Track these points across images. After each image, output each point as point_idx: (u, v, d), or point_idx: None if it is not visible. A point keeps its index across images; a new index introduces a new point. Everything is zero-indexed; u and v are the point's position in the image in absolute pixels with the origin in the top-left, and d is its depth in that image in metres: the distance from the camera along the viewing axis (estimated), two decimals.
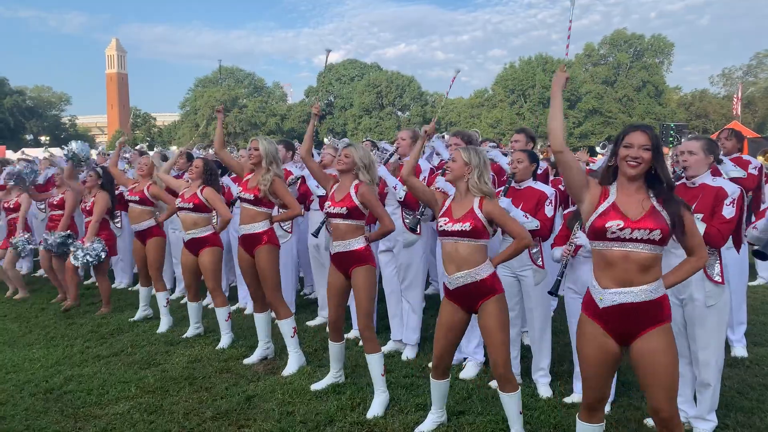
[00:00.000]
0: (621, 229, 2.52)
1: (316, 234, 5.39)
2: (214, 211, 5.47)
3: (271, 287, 4.73)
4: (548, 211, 4.12)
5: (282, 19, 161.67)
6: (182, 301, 7.05)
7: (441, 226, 3.34)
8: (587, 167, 6.14)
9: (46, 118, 65.28)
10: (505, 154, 5.15)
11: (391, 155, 5.16)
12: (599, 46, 57.13)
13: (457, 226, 3.28)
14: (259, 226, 4.68)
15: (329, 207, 4.01)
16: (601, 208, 2.60)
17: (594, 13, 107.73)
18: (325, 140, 8.90)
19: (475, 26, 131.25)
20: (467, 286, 3.30)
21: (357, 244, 4.00)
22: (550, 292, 3.93)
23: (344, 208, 3.95)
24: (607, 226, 2.54)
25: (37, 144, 55.63)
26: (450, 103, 61.59)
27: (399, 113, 59.12)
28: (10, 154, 29.04)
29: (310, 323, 6.04)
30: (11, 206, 7.53)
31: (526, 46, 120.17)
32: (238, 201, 5.59)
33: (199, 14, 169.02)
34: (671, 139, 16.22)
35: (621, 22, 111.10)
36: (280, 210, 5.21)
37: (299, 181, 5.83)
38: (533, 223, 3.99)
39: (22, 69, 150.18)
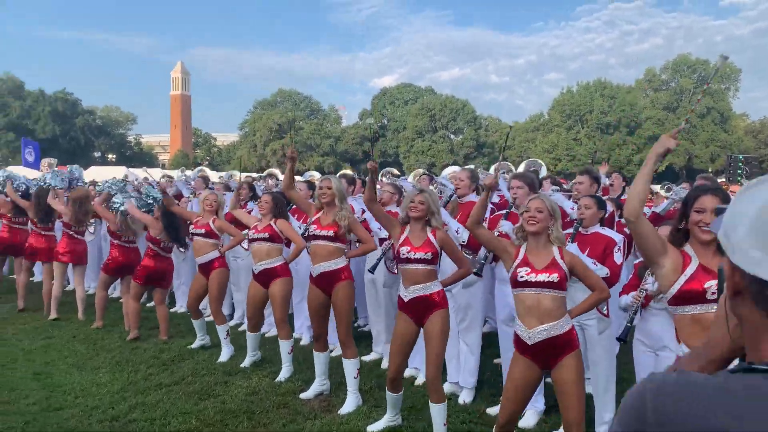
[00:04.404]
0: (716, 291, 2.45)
1: (372, 270, 5.40)
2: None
3: (346, 325, 4.74)
4: (617, 258, 4.01)
5: (338, 43, 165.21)
6: (240, 329, 7.19)
7: (522, 277, 3.21)
8: (652, 210, 5.94)
9: (114, 136, 68.45)
10: (569, 197, 5.06)
11: (450, 197, 5.15)
12: (661, 71, 55.73)
13: (542, 277, 3.16)
14: (338, 263, 4.70)
15: (409, 253, 3.92)
16: (689, 271, 2.50)
17: (656, 36, 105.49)
18: (383, 179, 8.83)
19: (530, 50, 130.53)
20: (549, 341, 3.17)
21: (435, 287, 3.97)
22: (619, 339, 3.80)
23: (429, 254, 3.90)
24: (706, 287, 2.43)
25: (104, 162, 58.46)
26: (504, 127, 61.17)
27: (452, 137, 59.14)
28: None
29: (365, 358, 6.02)
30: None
31: (583, 71, 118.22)
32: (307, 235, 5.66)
33: (260, 38, 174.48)
34: (740, 171, 15.52)
35: (684, 46, 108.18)
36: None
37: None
38: (603, 271, 3.88)
39: (94, 90, 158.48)
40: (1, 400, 4.85)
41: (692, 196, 2.59)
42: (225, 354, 6.05)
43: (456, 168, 8.17)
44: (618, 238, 4.11)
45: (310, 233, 4.80)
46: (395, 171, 10.57)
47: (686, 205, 2.59)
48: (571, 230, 4.18)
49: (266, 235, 5.39)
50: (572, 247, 3.94)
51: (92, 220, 8.30)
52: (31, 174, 12.63)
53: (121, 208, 6.82)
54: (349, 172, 7.75)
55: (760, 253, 0.84)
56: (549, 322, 3.17)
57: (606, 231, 4.18)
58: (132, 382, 5.33)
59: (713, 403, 0.81)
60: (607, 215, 4.77)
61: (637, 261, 4.26)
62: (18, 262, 8.32)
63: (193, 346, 6.39)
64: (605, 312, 4.09)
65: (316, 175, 10.91)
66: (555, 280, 3.16)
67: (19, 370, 5.61)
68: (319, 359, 5.01)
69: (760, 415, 0.77)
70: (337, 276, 4.69)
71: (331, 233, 4.66)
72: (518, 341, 3.28)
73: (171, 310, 8.08)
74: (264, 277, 5.43)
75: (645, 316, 3.85)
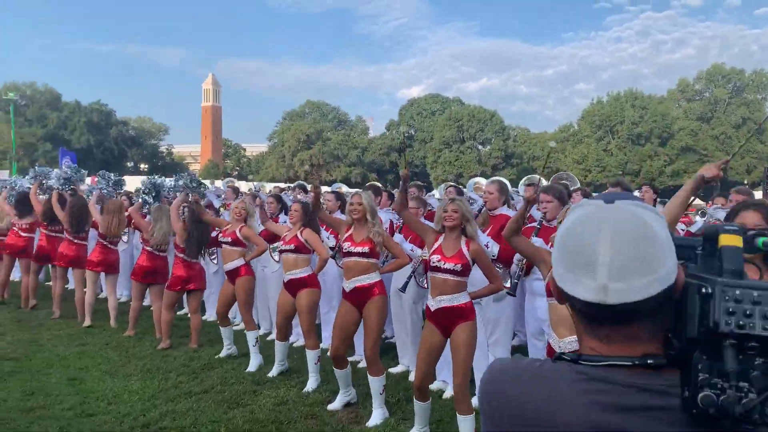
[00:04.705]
0: None
1: (403, 290, 5.39)
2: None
3: (374, 341, 4.70)
4: None
5: (366, 54, 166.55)
6: (268, 338, 7.24)
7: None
8: (687, 230, 5.83)
9: (146, 147, 69.94)
10: None
11: (480, 210, 5.12)
12: (694, 81, 54.75)
13: None
14: (372, 277, 4.70)
15: (439, 262, 3.93)
16: None
17: (688, 46, 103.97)
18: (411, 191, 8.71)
19: (560, 60, 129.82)
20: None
21: (463, 299, 3.97)
22: None
23: (459, 265, 3.91)
24: None
25: (136, 171, 59.77)
26: (533, 138, 60.74)
27: (480, 147, 58.90)
28: None
29: (392, 370, 6.00)
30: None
31: (613, 81, 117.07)
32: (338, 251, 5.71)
33: (290, 50, 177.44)
34: None
35: (719, 56, 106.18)
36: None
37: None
38: None
39: (128, 101, 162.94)
40: (37, 405, 4.96)
41: (734, 210, 2.58)
42: (254, 364, 6.09)
43: (481, 180, 8.12)
44: None
45: (344, 251, 4.78)
46: (419, 183, 10.55)
47: (728, 219, 2.60)
48: None
49: (292, 246, 5.46)
50: None
51: (125, 230, 8.48)
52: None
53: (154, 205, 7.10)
54: (376, 183, 7.78)
55: (563, 270, 0.98)
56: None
57: None
58: (162, 389, 5.40)
59: (528, 385, 1.01)
60: None
61: None
62: (54, 270, 8.53)
63: (220, 355, 6.46)
64: None
65: (343, 187, 10.97)
66: None
67: (54, 376, 5.74)
68: (340, 375, 5.00)
69: (559, 393, 0.97)
70: (371, 291, 4.67)
71: (366, 249, 4.66)
72: (551, 353, 3.28)
73: (201, 318, 8.18)
74: (292, 287, 5.48)
75: None
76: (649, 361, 0.94)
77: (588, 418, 0.94)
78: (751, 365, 0.83)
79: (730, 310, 0.83)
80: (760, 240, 1.01)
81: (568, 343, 3.14)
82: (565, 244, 1.00)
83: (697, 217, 8.18)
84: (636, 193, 6.64)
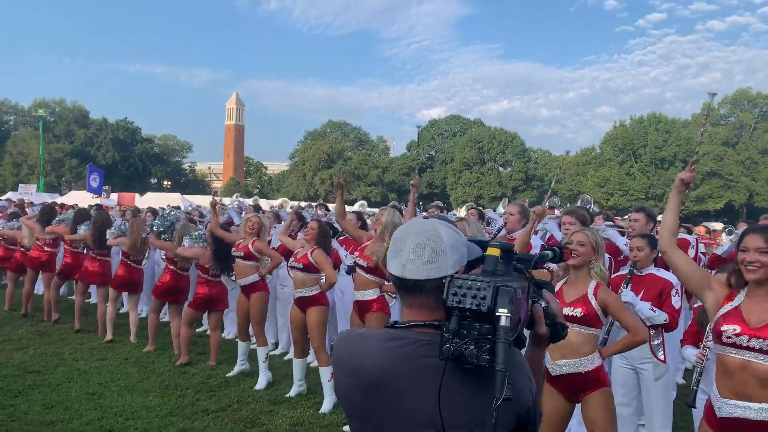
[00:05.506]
0: (737, 335, 2.37)
1: None
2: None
3: None
4: (675, 302, 3.86)
5: (389, 76, 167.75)
6: (285, 358, 7.22)
7: None
8: (713, 252, 5.74)
9: (170, 164, 70.98)
10: (623, 234, 4.94)
11: (499, 230, 5.11)
12: (719, 106, 54.18)
13: (567, 311, 3.14)
14: (369, 294, 4.80)
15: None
16: (723, 310, 2.50)
17: (713, 70, 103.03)
18: (424, 214, 8.57)
19: (582, 83, 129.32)
20: (570, 377, 3.15)
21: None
22: (689, 405, 3.59)
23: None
24: (722, 329, 2.42)
25: (159, 188, 60.66)
26: (554, 160, 60.47)
27: (500, 169, 58.75)
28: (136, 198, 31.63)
29: None
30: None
31: (636, 104, 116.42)
32: (353, 265, 5.75)
33: (313, 71, 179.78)
34: None
35: (744, 81, 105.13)
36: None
37: None
38: (661, 317, 3.75)
39: (154, 119, 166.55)
40: (57, 419, 5.00)
41: (741, 235, 2.63)
42: (262, 381, 6.05)
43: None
44: (675, 280, 3.96)
45: (355, 260, 4.97)
46: (440, 203, 10.56)
47: (738, 244, 2.62)
48: (625, 272, 4.07)
49: (300, 265, 5.49)
50: (629, 295, 3.81)
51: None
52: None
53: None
54: (397, 205, 7.78)
55: (390, 259, 1.42)
56: (572, 357, 3.13)
57: (661, 273, 4.04)
58: (180, 406, 5.41)
59: (354, 345, 1.43)
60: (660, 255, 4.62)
61: (697, 305, 4.10)
62: (76, 285, 8.65)
63: (232, 372, 6.42)
64: (662, 357, 3.93)
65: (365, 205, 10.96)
66: (578, 315, 3.13)
67: (74, 390, 5.78)
68: None
69: (370, 349, 1.38)
70: (368, 306, 4.79)
71: (365, 264, 4.81)
72: (546, 371, 3.28)
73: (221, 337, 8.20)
74: (301, 303, 5.51)
75: (707, 364, 3.67)
76: (435, 322, 1.33)
77: (384, 366, 1.35)
78: (472, 327, 1.23)
79: (453, 292, 1.26)
80: (545, 252, 1.46)
81: (560, 366, 3.18)
82: (394, 239, 1.44)
83: (724, 235, 8.10)
84: (660, 218, 6.56)
